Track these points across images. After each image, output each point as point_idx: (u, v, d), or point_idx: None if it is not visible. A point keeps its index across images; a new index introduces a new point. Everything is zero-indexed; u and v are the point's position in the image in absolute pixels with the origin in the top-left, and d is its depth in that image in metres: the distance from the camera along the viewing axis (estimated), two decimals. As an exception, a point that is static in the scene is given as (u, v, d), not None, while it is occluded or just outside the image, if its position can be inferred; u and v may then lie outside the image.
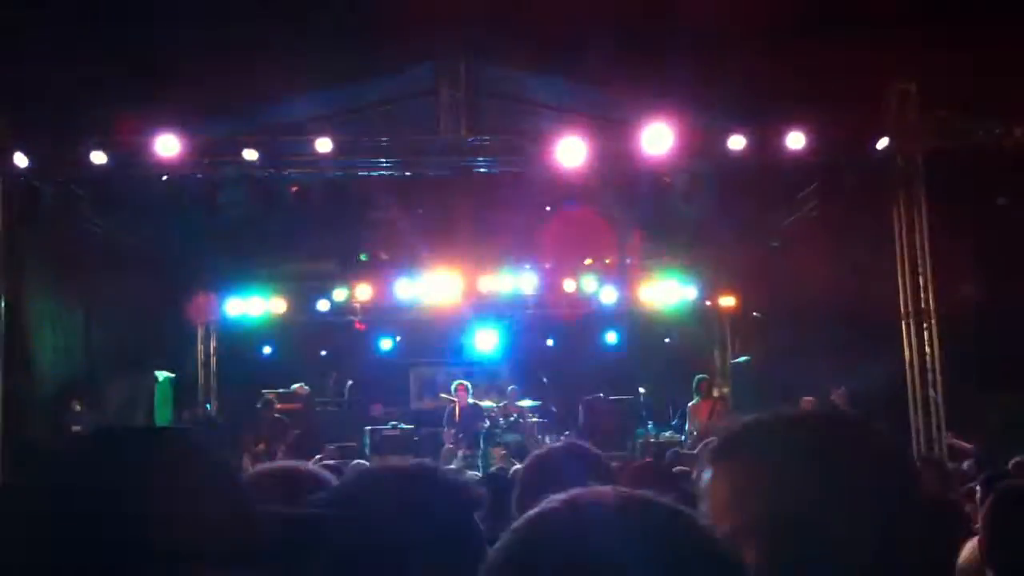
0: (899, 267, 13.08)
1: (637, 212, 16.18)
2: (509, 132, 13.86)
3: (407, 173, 13.83)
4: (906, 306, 13.01)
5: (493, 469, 11.39)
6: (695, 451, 13.21)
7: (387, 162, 13.67)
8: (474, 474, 9.75)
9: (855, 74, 11.71)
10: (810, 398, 11.34)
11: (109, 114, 12.40)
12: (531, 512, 1.12)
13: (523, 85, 14.31)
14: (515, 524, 1.11)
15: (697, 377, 16.21)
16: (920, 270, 12.94)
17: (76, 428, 14.65)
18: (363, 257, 18.60)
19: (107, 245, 14.85)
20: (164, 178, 13.12)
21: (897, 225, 13.07)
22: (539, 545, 1.07)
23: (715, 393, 19.02)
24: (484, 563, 1.12)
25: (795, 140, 12.83)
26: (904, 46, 11.37)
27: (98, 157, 12.56)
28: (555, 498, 1.12)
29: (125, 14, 11.07)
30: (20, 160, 12.28)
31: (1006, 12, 10.77)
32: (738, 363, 18.36)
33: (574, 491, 1.12)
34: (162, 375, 16.52)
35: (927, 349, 12.91)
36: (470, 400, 16.90)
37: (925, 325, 12.92)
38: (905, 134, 12.68)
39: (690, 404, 16.04)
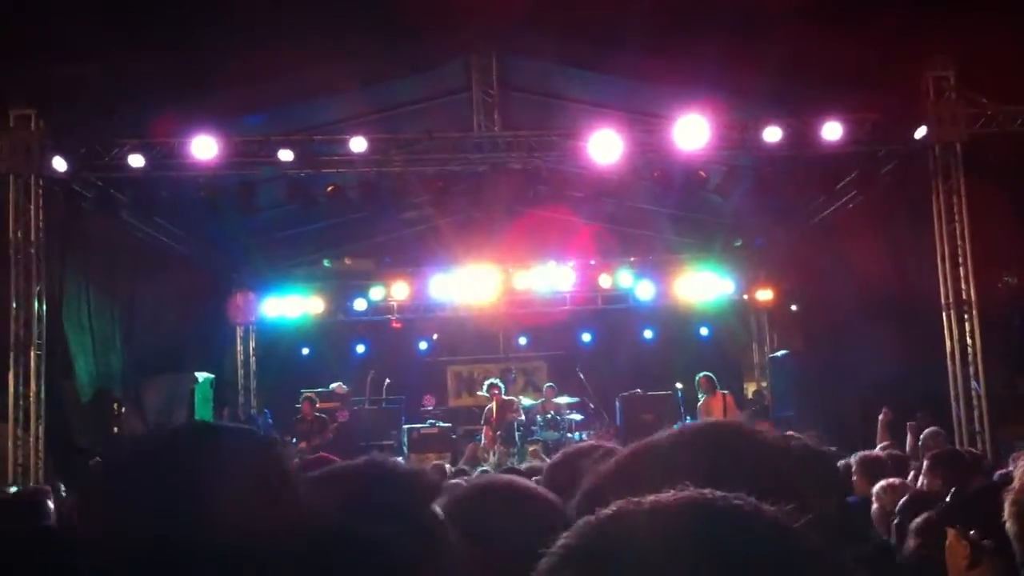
0: (938, 257, 12.93)
1: (672, 206, 16.14)
2: (543, 128, 13.84)
3: (442, 170, 13.83)
4: (947, 296, 12.84)
5: (526, 466, 11.35)
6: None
7: (422, 159, 13.69)
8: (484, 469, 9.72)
9: (892, 62, 11.60)
10: (886, 410, 11.28)
11: (145, 117, 12.50)
12: (604, 512, 1.08)
13: (556, 80, 14.28)
14: (583, 523, 1.08)
15: (698, 375, 16.11)
16: (960, 260, 12.77)
17: (116, 430, 14.80)
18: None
19: (146, 247, 14.98)
20: (201, 179, 13.22)
21: (936, 214, 12.91)
22: (614, 547, 1.03)
23: (756, 387, 18.94)
24: (544, 559, 1.08)
25: (832, 130, 12.72)
26: (940, 33, 11.23)
27: (135, 159, 12.67)
28: (631, 500, 1.08)
29: (159, 19, 11.16)
30: (59, 164, 12.40)
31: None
32: (776, 357, 18.22)
33: (657, 495, 1.08)
34: (202, 376, 16.63)
35: (968, 340, 12.74)
36: (505, 397, 16.91)
37: (966, 316, 12.75)
38: (943, 122, 12.52)
39: (699, 404, 15.95)
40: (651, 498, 1.06)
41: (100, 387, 14.16)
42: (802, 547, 1.04)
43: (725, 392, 16.26)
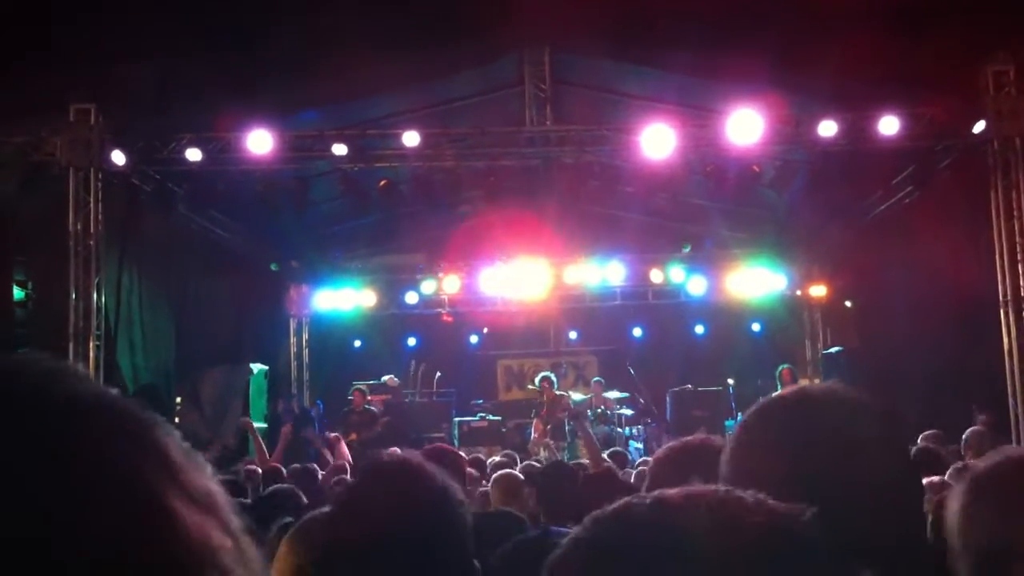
0: (997, 253, 12.75)
1: (725, 201, 16.04)
2: (595, 122, 13.82)
3: (493, 165, 13.87)
4: (1005, 293, 12.67)
5: (577, 461, 11.38)
6: None
7: (473, 154, 13.73)
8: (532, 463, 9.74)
9: (950, 56, 11.43)
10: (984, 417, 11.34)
11: (203, 111, 12.66)
12: (612, 507, 1.09)
13: (609, 75, 14.25)
14: (595, 514, 1.09)
15: (780, 367, 15.90)
16: (1019, 256, 12.59)
17: (176, 421, 15.04)
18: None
19: (201, 240, 15.16)
20: (256, 173, 13.37)
21: (994, 210, 12.72)
22: (613, 542, 1.05)
23: (803, 383, 18.72)
24: (547, 552, 1.10)
25: (888, 124, 12.58)
26: (1000, 27, 11.07)
27: (192, 153, 12.83)
28: (644, 495, 1.08)
29: (218, 16, 11.29)
30: (117, 158, 12.59)
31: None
32: (830, 354, 18.06)
33: (676, 489, 1.07)
34: (257, 367, 16.83)
35: (1028, 336, 12.56)
36: (557, 391, 16.90)
37: (1026, 312, 12.58)
38: (1002, 117, 12.33)
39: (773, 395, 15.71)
40: (657, 494, 1.08)
41: (142, 383, 14.36)
42: (811, 553, 1.05)
43: None
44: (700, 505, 1.03)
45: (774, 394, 1.80)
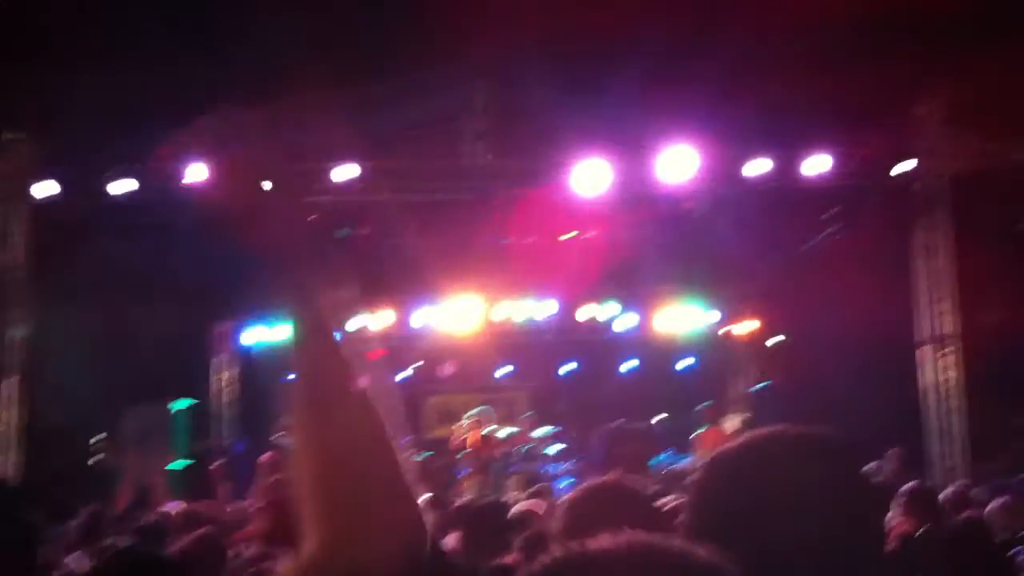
0: (920, 291, 13.00)
1: (657, 237, 16.19)
2: (531, 157, 13.88)
3: (427, 198, 13.83)
4: (926, 331, 12.93)
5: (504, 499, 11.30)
6: None
7: (408, 187, 13.68)
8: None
9: (880, 96, 11.73)
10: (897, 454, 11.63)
11: (136, 142, 12.45)
12: (552, 557, 1.11)
13: (547, 109, 14.32)
14: (536, 567, 1.11)
15: (701, 405, 15.94)
16: (942, 295, 12.87)
17: (97, 458, 14.66)
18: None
19: (132, 273, 14.83)
20: (189, 205, 13.15)
21: (916, 249, 13.01)
22: None
23: (736, 421, 18.92)
24: None
25: (818, 163, 12.84)
26: (929, 68, 11.37)
27: (126, 185, 12.59)
28: (577, 544, 1.11)
29: (153, 44, 11.15)
30: (49, 188, 12.31)
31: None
32: (759, 389, 18.27)
33: (601, 537, 1.11)
34: (181, 404, 16.48)
35: (950, 374, 12.82)
36: (484, 430, 16.80)
37: (948, 350, 12.84)
38: (931, 156, 12.66)
39: (696, 434, 15.79)
40: (594, 543, 1.10)
41: (82, 414, 13.99)
42: None
43: (723, 428, 16.15)
44: (634, 553, 1.07)
45: (723, 448, 1.74)
